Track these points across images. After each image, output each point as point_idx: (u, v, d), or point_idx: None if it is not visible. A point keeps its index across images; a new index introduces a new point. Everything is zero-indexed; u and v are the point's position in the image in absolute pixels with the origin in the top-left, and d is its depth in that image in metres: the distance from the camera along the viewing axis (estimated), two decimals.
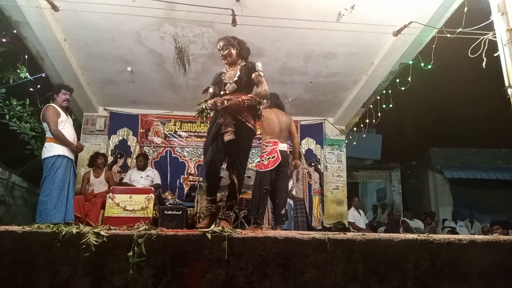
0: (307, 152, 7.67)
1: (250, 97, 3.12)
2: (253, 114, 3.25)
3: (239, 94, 3.17)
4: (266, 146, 4.18)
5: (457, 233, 6.61)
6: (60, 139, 4.28)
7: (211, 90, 3.40)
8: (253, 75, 3.20)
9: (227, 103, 3.06)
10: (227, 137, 3.09)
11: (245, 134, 3.19)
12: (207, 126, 7.94)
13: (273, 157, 4.10)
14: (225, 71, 3.42)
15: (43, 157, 4.26)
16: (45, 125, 4.32)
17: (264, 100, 4.34)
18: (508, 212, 10.43)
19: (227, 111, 3.13)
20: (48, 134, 4.29)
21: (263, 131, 4.29)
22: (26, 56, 5.25)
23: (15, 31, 4.70)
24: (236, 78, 3.26)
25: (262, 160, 4.17)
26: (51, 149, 4.25)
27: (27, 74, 5.69)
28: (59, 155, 4.24)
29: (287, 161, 4.30)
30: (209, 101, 3.22)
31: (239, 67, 3.34)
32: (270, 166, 4.08)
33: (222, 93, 3.28)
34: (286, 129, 4.33)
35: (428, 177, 11.89)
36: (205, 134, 7.57)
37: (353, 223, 7.39)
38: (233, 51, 3.34)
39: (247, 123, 3.19)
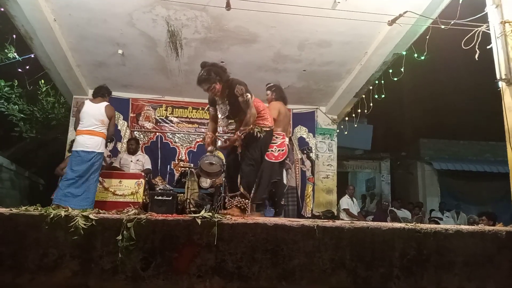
0: (299, 140, 7.70)
1: (243, 130, 3.29)
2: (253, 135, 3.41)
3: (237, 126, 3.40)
4: (277, 138, 4.18)
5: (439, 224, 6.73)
6: (110, 140, 4.78)
7: (211, 110, 3.60)
8: (240, 100, 3.25)
9: (226, 143, 3.38)
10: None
11: (250, 147, 3.38)
12: (199, 113, 7.89)
13: (282, 150, 4.12)
14: (216, 99, 3.52)
15: (95, 150, 4.51)
16: (105, 120, 4.64)
17: (268, 92, 4.57)
18: (494, 203, 10.67)
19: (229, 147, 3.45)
20: (101, 130, 4.59)
21: (275, 122, 4.26)
22: (14, 36, 5.12)
23: (2, 9, 4.57)
24: (227, 113, 3.44)
25: (272, 151, 4.12)
26: (103, 146, 4.66)
27: (15, 54, 5.56)
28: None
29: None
30: (209, 146, 3.55)
31: (226, 100, 3.42)
32: (279, 158, 4.08)
33: (220, 128, 3.53)
34: (288, 123, 4.39)
35: (417, 168, 12.05)
36: (197, 120, 7.59)
37: (348, 209, 7.52)
38: (217, 86, 3.32)
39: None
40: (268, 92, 4.65)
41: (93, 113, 4.60)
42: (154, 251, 2.03)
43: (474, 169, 11.28)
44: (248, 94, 3.25)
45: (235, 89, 3.23)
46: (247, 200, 3.38)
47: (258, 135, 3.34)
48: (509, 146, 3.01)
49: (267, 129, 3.48)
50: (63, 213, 2.05)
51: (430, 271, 2.21)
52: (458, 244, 2.28)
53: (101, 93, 4.81)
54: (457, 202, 10.67)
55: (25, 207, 2.22)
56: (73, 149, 4.56)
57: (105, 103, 4.73)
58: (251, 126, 3.30)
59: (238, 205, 3.31)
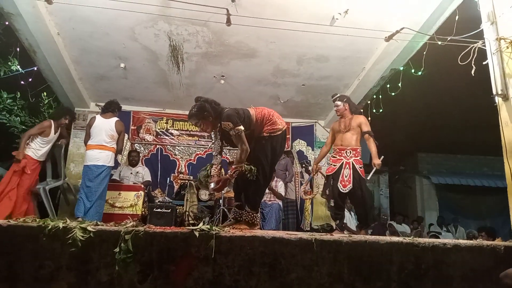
0: (298, 154, 7.72)
1: (235, 168, 3.09)
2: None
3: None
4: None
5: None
6: (118, 155, 5.08)
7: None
8: (231, 134, 3.03)
9: (218, 184, 3.20)
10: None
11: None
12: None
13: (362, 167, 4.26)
14: (212, 135, 3.49)
15: (106, 164, 4.62)
16: (115, 135, 4.75)
17: (339, 103, 4.37)
18: (492, 218, 10.63)
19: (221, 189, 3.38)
20: (112, 145, 4.71)
21: (358, 139, 4.35)
22: (18, 49, 5.18)
23: (7, 23, 4.64)
24: (219, 150, 3.37)
25: (361, 167, 4.25)
26: (113, 160, 4.74)
27: (18, 67, 5.61)
28: None
29: None
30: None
31: (219, 135, 3.32)
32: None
33: (213, 167, 3.33)
34: None
35: (415, 182, 12.02)
36: (197, 133, 7.61)
37: (345, 224, 7.44)
38: (205, 123, 3.16)
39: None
40: (339, 103, 4.39)
41: (104, 128, 4.71)
42: (152, 264, 2.03)
43: (472, 183, 11.27)
44: (238, 128, 2.98)
45: (224, 124, 3.02)
46: (256, 214, 3.25)
47: (249, 175, 3.08)
48: (507, 161, 3.02)
49: (279, 132, 3.25)
50: (61, 225, 2.06)
51: (428, 285, 2.21)
52: (456, 258, 2.27)
53: (111, 108, 4.93)
54: (455, 216, 10.63)
55: (23, 218, 2.23)
56: (84, 164, 4.67)
57: (115, 119, 4.85)
58: (243, 164, 3.06)
59: (247, 219, 3.18)
